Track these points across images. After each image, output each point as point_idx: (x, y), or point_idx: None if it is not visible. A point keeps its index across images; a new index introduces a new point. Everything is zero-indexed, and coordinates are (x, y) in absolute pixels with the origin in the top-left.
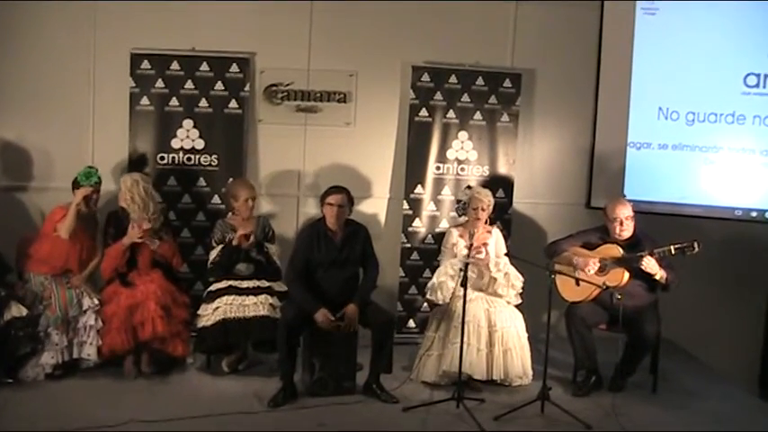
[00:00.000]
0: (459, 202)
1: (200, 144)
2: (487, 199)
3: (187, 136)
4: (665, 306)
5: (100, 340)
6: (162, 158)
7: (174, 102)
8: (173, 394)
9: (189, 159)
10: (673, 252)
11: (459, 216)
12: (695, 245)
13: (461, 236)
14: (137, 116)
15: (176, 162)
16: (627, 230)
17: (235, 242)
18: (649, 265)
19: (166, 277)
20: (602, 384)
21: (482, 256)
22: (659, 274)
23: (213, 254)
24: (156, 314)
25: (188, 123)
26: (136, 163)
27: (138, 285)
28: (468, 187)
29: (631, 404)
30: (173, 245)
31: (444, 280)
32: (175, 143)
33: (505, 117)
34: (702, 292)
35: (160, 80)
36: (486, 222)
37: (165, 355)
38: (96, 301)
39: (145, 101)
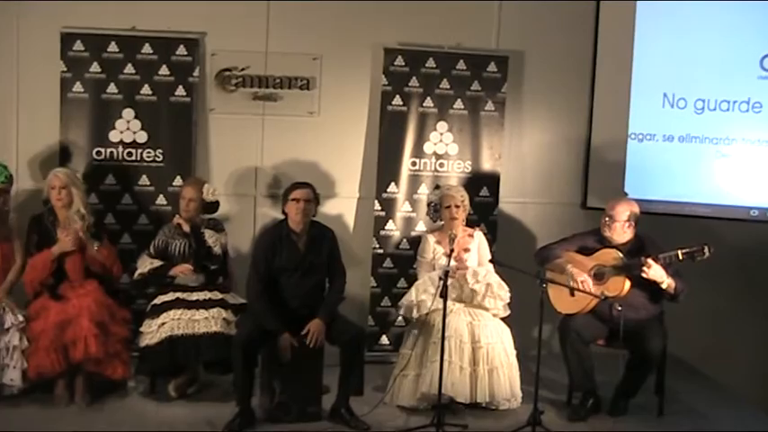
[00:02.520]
0: (429, 205)
1: (142, 137)
2: (460, 195)
3: (127, 128)
4: (671, 318)
5: (25, 362)
6: (98, 153)
7: (111, 88)
8: (111, 423)
9: (129, 154)
10: (680, 257)
11: (435, 221)
12: (705, 249)
13: (439, 242)
14: (69, 105)
15: (115, 157)
16: (611, 232)
17: (172, 272)
18: (653, 272)
19: (103, 289)
20: (601, 407)
21: (469, 277)
22: (666, 282)
23: (144, 265)
24: (90, 332)
25: (128, 113)
26: (68, 158)
27: (70, 299)
28: (437, 187)
29: (634, 429)
30: (112, 250)
31: (424, 299)
32: (114, 136)
33: (490, 105)
34: (713, 302)
35: (96, 64)
36: (464, 223)
37: (103, 378)
38: (21, 318)
39: (78, 87)
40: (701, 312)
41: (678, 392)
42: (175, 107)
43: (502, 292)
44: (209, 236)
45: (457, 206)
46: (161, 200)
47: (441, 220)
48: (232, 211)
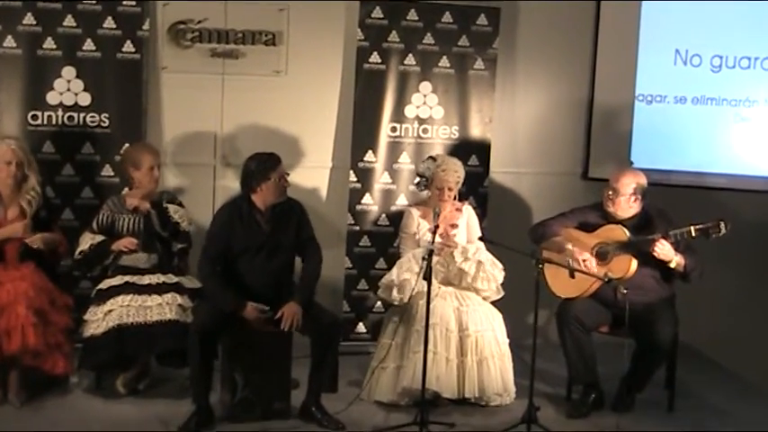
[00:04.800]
0: (419, 176)
1: (85, 99)
2: (455, 177)
3: (68, 89)
4: (682, 302)
5: None
6: (35, 118)
7: (49, 43)
8: (51, 424)
9: (71, 119)
10: (693, 234)
11: (421, 191)
12: (722, 225)
13: (424, 216)
14: None
15: (54, 122)
16: (615, 207)
17: (114, 247)
18: (664, 251)
19: (42, 272)
20: (604, 402)
21: (457, 254)
22: (674, 260)
23: (85, 242)
24: (27, 321)
25: (69, 72)
26: None
27: (4, 283)
28: (431, 158)
29: (642, 427)
30: (58, 232)
31: (408, 278)
32: (52, 98)
33: (480, 63)
34: (730, 283)
35: (30, 15)
36: (454, 198)
37: (41, 373)
38: None
39: (9, 42)
40: (716, 295)
41: (690, 386)
42: (123, 65)
43: (495, 270)
44: (174, 211)
45: (450, 188)
46: (107, 170)
47: (428, 191)
48: (187, 182)
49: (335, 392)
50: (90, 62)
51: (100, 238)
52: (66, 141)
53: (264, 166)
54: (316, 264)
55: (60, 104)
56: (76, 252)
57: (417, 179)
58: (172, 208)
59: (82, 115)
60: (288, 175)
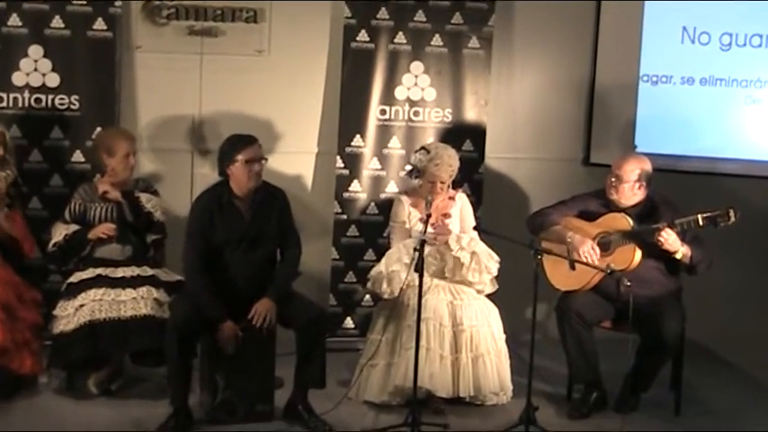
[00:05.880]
0: (412, 166)
1: (53, 80)
2: (450, 170)
3: (35, 69)
4: (690, 296)
5: None
6: None
7: (14, 20)
8: (20, 426)
9: (38, 101)
10: (700, 223)
11: (413, 179)
12: (731, 213)
13: (415, 205)
14: None
15: (20, 105)
16: (618, 195)
17: (91, 236)
18: (669, 240)
19: (8, 265)
20: (607, 402)
21: (452, 242)
22: (680, 251)
23: (58, 232)
24: None
25: (36, 51)
26: None
27: None
28: (424, 149)
29: (646, 428)
30: (24, 223)
31: (398, 269)
32: (18, 78)
33: (474, 42)
34: (740, 276)
35: None
36: (447, 187)
37: (8, 372)
38: None
39: None
40: (725, 289)
41: (698, 385)
42: (94, 44)
43: (491, 262)
44: (147, 200)
45: (443, 182)
46: (78, 156)
47: (419, 180)
48: (162, 169)
49: (324, 388)
50: (58, 40)
51: (75, 227)
52: (34, 125)
53: (233, 147)
54: (294, 257)
55: (27, 86)
56: (50, 244)
57: (409, 167)
58: (144, 197)
59: (50, 97)
60: (265, 160)
